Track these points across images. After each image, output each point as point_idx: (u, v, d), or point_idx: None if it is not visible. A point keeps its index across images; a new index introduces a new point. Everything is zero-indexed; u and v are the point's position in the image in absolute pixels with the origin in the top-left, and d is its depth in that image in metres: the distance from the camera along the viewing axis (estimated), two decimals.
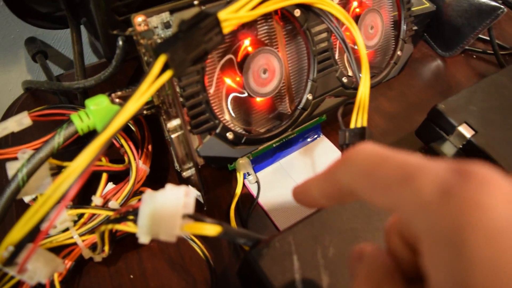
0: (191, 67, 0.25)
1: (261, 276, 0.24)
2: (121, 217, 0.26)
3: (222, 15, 0.24)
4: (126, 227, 0.26)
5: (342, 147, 0.31)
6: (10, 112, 0.43)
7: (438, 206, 0.12)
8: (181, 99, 0.28)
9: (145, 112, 0.31)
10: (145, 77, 0.22)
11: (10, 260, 0.23)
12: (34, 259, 0.25)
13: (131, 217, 0.26)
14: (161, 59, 0.22)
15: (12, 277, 0.30)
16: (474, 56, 0.57)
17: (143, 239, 0.24)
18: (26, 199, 0.34)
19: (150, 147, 0.35)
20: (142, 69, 0.28)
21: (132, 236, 0.34)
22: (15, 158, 0.32)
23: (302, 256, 0.25)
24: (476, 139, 0.36)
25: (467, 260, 0.11)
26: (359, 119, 0.31)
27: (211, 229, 0.22)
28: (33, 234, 0.22)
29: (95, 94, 0.28)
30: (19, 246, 0.23)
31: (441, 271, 0.12)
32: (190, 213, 0.22)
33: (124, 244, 0.34)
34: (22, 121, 0.31)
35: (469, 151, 0.37)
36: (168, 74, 0.22)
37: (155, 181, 0.35)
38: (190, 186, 0.24)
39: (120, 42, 0.31)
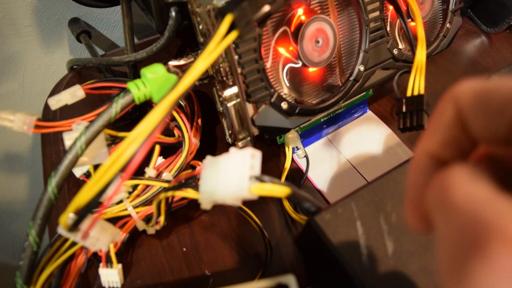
0: (250, 34, 0.25)
1: (324, 241, 0.24)
2: (181, 184, 0.26)
3: None
4: (187, 193, 0.26)
5: (398, 115, 0.30)
6: (57, 91, 0.44)
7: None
8: (238, 67, 0.27)
9: (197, 83, 0.31)
10: (212, 37, 0.21)
11: (75, 226, 0.23)
12: (96, 227, 0.25)
13: (192, 183, 0.26)
14: (228, 19, 0.21)
15: (68, 248, 0.31)
16: None
17: (206, 205, 0.24)
18: (77, 173, 0.35)
19: (199, 121, 0.35)
20: (185, 46, 0.28)
21: (184, 210, 0.34)
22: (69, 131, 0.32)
23: (365, 222, 0.24)
24: None
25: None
26: (416, 87, 0.30)
27: (280, 190, 0.22)
28: (97, 202, 0.22)
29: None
30: (86, 209, 0.23)
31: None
32: (257, 175, 0.22)
33: (176, 218, 0.34)
34: (76, 93, 0.31)
35: None
36: (234, 34, 0.22)
37: (205, 155, 0.35)
38: (255, 149, 0.23)
39: (173, 13, 0.30)
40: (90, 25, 0.49)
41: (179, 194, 0.26)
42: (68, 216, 0.23)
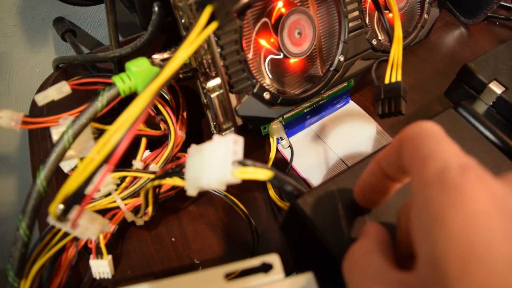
0: (230, 24, 0.26)
1: (307, 223, 0.25)
2: (168, 173, 0.27)
3: None
4: (173, 181, 0.27)
5: (377, 102, 0.31)
6: (43, 90, 0.44)
7: (435, 186, 0.15)
8: (220, 59, 0.28)
9: (181, 75, 0.31)
10: (192, 28, 0.22)
11: (64, 215, 0.24)
12: (85, 217, 0.26)
13: (177, 171, 0.27)
14: (208, 10, 0.22)
15: (58, 241, 0.31)
16: (497, 23, 0.57)
17: (191, 191, 0.25)
18: (66, 168, 0.35)
19: (185, 114, 0.36)
20: (170, 42, 0.29)
21: (171, 202, 0.35)
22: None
23: (346, 203, 0.25)
24: (507, 95, 0.36)
25: (447, 231, 0.14)
26: (393, 74, 0.31)
27: (263, 173, 0.22)
28: (82, 193, 0.23)
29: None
30: (74, 198, 0.23)
31: (423, 239, 0.15)
32: (240, 159, 0.23)
33: (164, 209, 0.35)
34: (62, 89, 0.32)
35: (499, 107, 0.37)
36: (214, 25, 0.23)
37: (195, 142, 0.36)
38: (237, 135, 0.24)
39: (156, 8, 0.31)
40: (75, 24, 0.50)
41: (166, 182, 0.27)
42: (57, 207, 0.24)
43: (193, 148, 0.25)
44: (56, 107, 0.36)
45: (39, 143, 0.40)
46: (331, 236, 0.24)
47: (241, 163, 0.23)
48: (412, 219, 0.16)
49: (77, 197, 0.23)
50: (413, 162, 0.17)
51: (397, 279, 0.16)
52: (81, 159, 0.33)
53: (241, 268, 0.21)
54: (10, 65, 0.49)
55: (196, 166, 0.24)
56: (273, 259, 0.21)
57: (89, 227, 0.26)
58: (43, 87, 0.44)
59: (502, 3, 0.57)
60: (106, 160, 0.21)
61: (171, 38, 0.45)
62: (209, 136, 0.39)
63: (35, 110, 0.42)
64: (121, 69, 0.37)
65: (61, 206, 0.24)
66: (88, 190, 0.22)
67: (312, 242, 0.25)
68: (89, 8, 0.50)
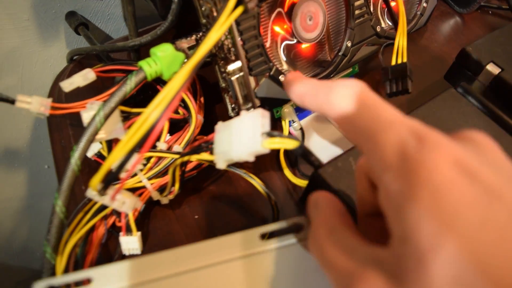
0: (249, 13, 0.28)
1: (329, 191, 0.27)
2: (196, 149, 0.29)
3: None
4: (202, 156, 0.29)
5: (385, 82, 0.34)
6: (59, 82, 0.45)
7: (397, 166, 0.15)
8: (241, 43, 0.30)
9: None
10: (222, 11, 0.24)
11: (104, 189, 0.26)
12: (121, 192, 0.28)
13: (204, 148, 0.29)
14: None
15: (89, 220, 0.33)
16: (490, 12, 0.59)
17: (221, 164, 0.27)
18: (89, 153, 0.37)
19: (202, 99, 0.38)
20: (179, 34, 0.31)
21: (192, 182, 0.37)
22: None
23: None
24: (504, 75, 0.38)
25: (417, 209, 0.14)
26: (399, 56, 0.33)
27: (290, 142, 0.24)
28: (121, 170, 0.25)
29: (145, 55, 0.31)
30: (116, 173, 0.25)
31: (394, 217, 0.15)
32: (268, 131, 0.25)
33: (186, 189, 0.36)
34: (87, 75, 0.34)
35: (496, 87, 0.39)
36: (240, 9, 0.25)
37: (208, 130, 0.38)
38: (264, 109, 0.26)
39: None
40: (85, 18, 0.51)
41: (195, 158, 0.29)
42: (98, 182, 0.25)
43: (220, 124, 0.27)
44: (75, 96, 0.38)
45: (59, 131, 0.41)
46: (351, 202, 0.26)
47: (269, 135, 0.25)
48: (380, 200, 0.16)
49: (117, 173, 0.25)
50: (365, 143, 0.17)
51: (371, 255, 0.16)
52: (107, 141, 0.35)
53: (274, 229, 0.23)
54: (23, 59, 0.51)
55: (225, 140, 0.26)
56: (303, 220, 0.23)
57: (125, 202, 0.28)
58: (59, 79, 0.46)
59: None
60: (145, 137, 0.23)
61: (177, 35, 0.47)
62: (224, 118, 0.41)
63: (54, 100, 0.43)
64: (139, 57, 0.39)
65: (100, 184, 0.26)
66: (130, 164, 0.24)
67: None
68: (99, 3, 0.51)
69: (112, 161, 0.24)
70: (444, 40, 0.54)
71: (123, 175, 0.25)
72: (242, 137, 0.25)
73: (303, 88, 0.22)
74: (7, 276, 0.88)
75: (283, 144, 0.24)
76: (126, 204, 0.28)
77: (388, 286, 0.14)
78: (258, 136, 0.25)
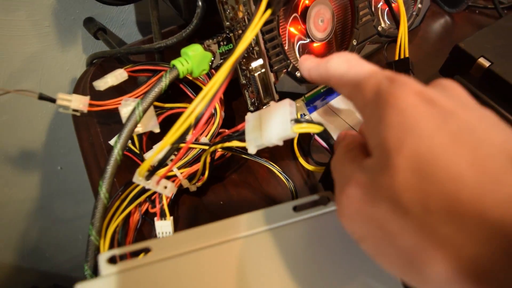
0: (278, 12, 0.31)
1: None
2: (228, 138, 0.32)
3: None
4: (233, 144, 0.32)
5: None
6: (82, 84, 0.48)
7: (373, 100, 0.20)
8: (263, 43, 0.34)
9: (221, 60, 0.37)
10: (254, 14, 0.27)
11: (151, 175, 0.29)
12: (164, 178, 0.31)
13: (235, 136, 0.32)
14: (265, 0, 0.28)
15: (125, 208, 0.36)
16: (477, 11, 0.64)
17: (252, 149, 0.30)
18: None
19: (222, 96, 0.41)
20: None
21: (216, 172, 0.40)
22: (116, 110, 0.37)
23: None
24: (493, 68, 0.43)
25: (386, 124, 0.18)
26: (402, 52, 0.37)
27: (315, 127, 0.28)
28: (168, 157, 0.28)
29: (171, 56, 0.34)
30: (164, 160, 0.28)
31: (371, 136, 0.20)
32: (295, 117, 0.28)
33: (210, 179, 0.39)
34: (120, 75, 0.37)
35: (487, 79, 0.43)
36: (269, 11, 0.28)
37: (228, 124, 0.41)
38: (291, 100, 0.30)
39: (200, 3, 0.36)
40: (102, 24, 0.54)
41: (227, 144, 0.32)
42: (146, 168, 0.29)
43: (250, 115, 0.31)
44: (100, 96, 0.41)
45: (87, 129, 0.44)
46: None
47: (297, 121, 0.28)
48: (363, 128, 0.22)
49: (163, 161, 0.28)
50: (352, 90, 0.22)
51: (362, 164, 0.20)
52: (139, 134, 0.38)
53: (305, 202, 0.27)
54: (43, 63, 0.53)
55: (255, 128, 0.30)
56: (329, 194, 0.27)
57: (167, 186, 0.31)
58: (81, 81, 0.49)
59: None
60: (194, 125, 0.26)
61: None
62: (240, 114, 0.45)
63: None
64: (163, 58, 0.42)
65: (145, 172, 0.29)
66: (189, 137, 0.27)
67: None
68: (114, 9, 0.54)
69: (160, 150, 0.28)
70: (436, 38, 0.58)
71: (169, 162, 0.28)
72: (272, 124, 0.29)
73: (309, 64, 0.27)
74: (17, 275, 0.90)
75: (310, 128, 0.28)
76: (168, 188, 0.31)
77: (368, 181, 0.19)
78: (287, 122, 0.28)
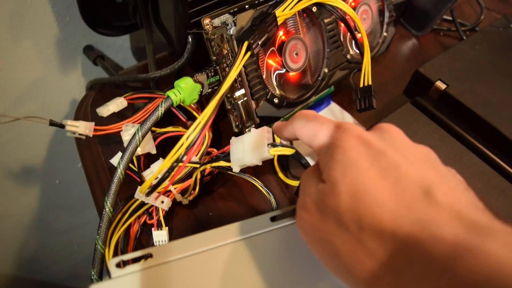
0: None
1: None
2: (215, 158, 0.38)
3: (277, 12, 0.35)
4: (220, 164, 0.37)
5: (355, 101, 0.43)
6: (83, 108, 0.53)
7: (326, 147, 0.26)
8: (245, 75, 0.39)
9: (209, 89, 0.42)
10: (237, 56, 0.33)
11: (151, 191, 0.34)
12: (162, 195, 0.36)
13: (222, 157, 0.37)
14: (245, 44, 0.33)
15: (126, 220, 0.41)
16: (441, 34, 0.71)
17: (236, 168, 0.35)
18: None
19: (211, 119, 0.46)
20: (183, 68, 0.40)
21: (207, 186, 0.45)
22: (116, 133, 0.43)
23: None
24: (449, 90, 0.49)
25: (333, 160, 0.24)
26: (365, 80, 0.43)
27: (289, 150, 0.33)
28: (166, 177, 0.33)
29: (165, 83, 0.39)
30: (161, 180, 0.34)
31: (325, 167, 0.25)
32: (271, 142, 0.33)
33: (201, 193, 0.45)
34: (121, 103, 0.42)
35: (443, 100, 0.49)
36: (248, 54, 0.34)
37: (216, 145, 0.47)
38: (267, 127, 0.35)
39: (190, 39, 0.42)
40: (100, 50, 0.59)
41: (215, 164, 0.37)
42: (147, 186, 0.34)
43: (234, 139, 0.36)
44: (101, 120, 0.45)
45: (89, 149, 0.49)
46: None
47: (273, 145, 0.33)
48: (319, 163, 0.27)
49: (162, 180, 0.34)
50: (311, 140, 0.28)
51: (318, 185, 0.25)
52: (138, 156, 0.43)
53: (281, 213, 0.32)
54: (45, 87, 0.58)
55: (239, 150, 0.35)
56: None
57: (164, 201, 0.36)
58: (82, 105, 0.54)
59: (444, 17, 0.70)
60: (187, 150, 0.32)
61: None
62: (226, 134, 0.50)
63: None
64: (157, 87, 0.47)
65: (146, 190, 0.34)
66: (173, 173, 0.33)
67: None
68: (112, 37, 0.59)
69: (159, 172, 0.33)
70: (404, 59, 0.65)
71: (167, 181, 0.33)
72: (252, 148, 0.34)
73: (279, 127, 0.34)
74: (14, 286, 0.93)
75: (284, 151, 0.33)
76: (165, 203, 0.37)
77: (320, 201, 0.24)
78: (265, 146, 0.34)
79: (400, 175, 0.22)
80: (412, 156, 0.23)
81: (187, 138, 0.31)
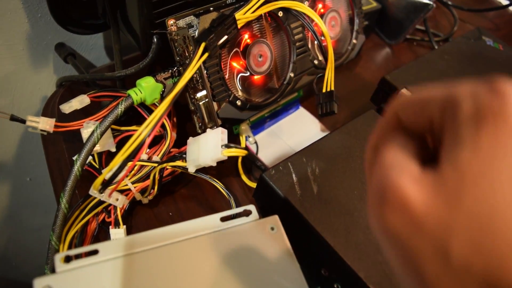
0: (215, 54, 0.37)
1: (272, 189, 0.36)
2: (172, 158, 0.38)
3: (237, 15, 0.36)
4: (177, 163, 0.38)
5: (317, 106, 0.44)
6: (51, 104, 0.53)
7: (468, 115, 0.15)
8: (206, 77, 0.40)
9: None
10: (193, 58, 0.33)
11: (103, 188, 0.34)
12: (115, 191, 0.36)
13: (179, 157, 0.38)
14: (203, 45, 0.34)
15: (84, 217, 0.41)
16: (415, 43, 0.72)
17: (192, 169, 0.36)
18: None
19: (175, 119, 0.47)
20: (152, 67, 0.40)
21: (167, 186, 0.45)
22: (77, 130, 0.43)
23: (298, 174, 0.37)
24: None
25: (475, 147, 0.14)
26: (328, 85, 0.44)
27: (241, 151, 0.34)
28: (118, 174, 0.33)
29: (132, 82, 0.39)
30: (113, 176, 0.34)
31: (450, 153, 0.15)
32: (226, 143, 0.34)
33: (162, 192, 0.45)
34: (84, 100, 0.42)
35: None
36: (205, 55, 0.34)
37: (180, 144, 0.47)
38: (223, 128, 0.35)
39: (155, 40, 0.42)
40: (72, 48, 0.59)
41: (172, 164, 0.37)
42: (100, 182, 0.34)
43: (191, 139, 0.37)
44: (66, 117, 0.45)
45: (54, 145, 0.49)
46: (289, 195, 0.36)
47: (227, 146, 0.34)
48: (443, 140, 0.16)
49: (114, 177, 0.34)
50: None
51: (414, 171, 0.16)
52: (99, 152, 0.43)
53: (231, 213, 0.33)
54: (16, 83, 0.58)
55: (195, 150, 0.36)
56: (251, 207, 0.33)
57: (118, 198, 0.36)
58: (50, 102, 0.53)
59: (417, 27, 0.72)
60: (138, 149, 0.32)
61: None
62: (192, 135, 0.50)
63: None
64: (123, 85, 0.47)
65: (99, 186, 0.34)
66: (124, 170, 0.33)
67: (276, 201, 0.37)
68: (84, 36, 0.59)
69: (111, 167, 0.33)
70: (376, 67, 0.66)
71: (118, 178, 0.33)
72: (207, 148, 0.34)
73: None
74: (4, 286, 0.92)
75: (236, 152, 0.34)
76: (119, 200, 0.37)
77: (421, 204, 0.15)
78: (219, 147, 0.34)
79: None
80: None
81: (138, 136, 0.31)
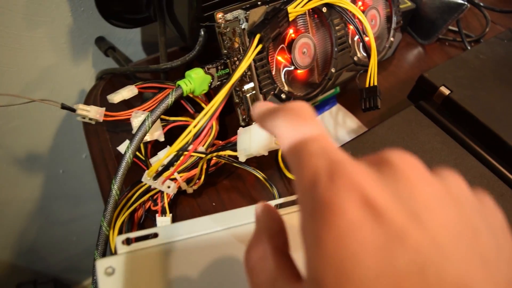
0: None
1: None
2: (222, 148, 0.38)
3: (289, 9, 0.37)
4: (227, 152, 0.38)
5: (361, 100, 0.44)
6: (92, 96, 0.54)
7: (310, 199, 0.15)
8: (254, 69, 0.40)
9: (218, 82, 0.43)
10: (248, 49, 0.34)
11: (157, 177, 0.35)
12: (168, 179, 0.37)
13: (228, 146, 0.38)
14: (257, 36, 0.34)
15: (132, 204, 0.42)
16: (447, 43, 0.72)
17: (242, 158, 0.36)
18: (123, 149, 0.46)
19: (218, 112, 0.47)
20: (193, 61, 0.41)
21: (210, 178, 0.46)
22: (125, 120, 0.44)
23: None
24: (452, 96, 0.50)
25: (323, 255, 0.14)
26: (371, 80, 0.44)
27: None
28: (173, 162, 0.34)
29: (174, 75, 0.40)
30: (168, 165, 0.34)
31: (307, 254, 0.15)
32: None
33: (206, 183, 0.45)
34: (132, 90, 0.43)
35: (446, 105, 0.50)
36: (260, 46, 0.35)
37: (222, 136, 0.48)
38: None
39: (202, 32, 0.43)
40: (111, 42, 0.61)
41: (221, 153, 0.38)
42: (154, 171, 0.35)
43: (241, 129, 0.37)
44: (108, 107, 0.46)
45: (97, 136, 0.50)
46: None
47: None
48: (300, 222, 0.16)
49: (170, 164, 0.35)
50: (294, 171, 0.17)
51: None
52: (145, 142, 0.44)
53: (281, 202, 0.33)
54: (56, 75, 0.59)
55: (246, 140, 0.36)
56: None
57: (170, 186, 0.37)
58: (91, 93, 0.55)
59: (450, 27, 0.72)
60: (194, 138, 0.33)
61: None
62: (232, 128, 0.51)
63: None
64: (167, 78, 0.48)
65: (153, 174, 0.35)
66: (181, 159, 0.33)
67: None
68: (123, 30, 0.60)
69: (167, 156, 0.34)
70: (409, 66, 0.66)
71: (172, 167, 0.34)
72: (260, 137, 0.35)
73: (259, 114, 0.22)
74: (13, 274, 0.94)
75: None
76: (171, 188, 0.38)
77: None
78: (272, 137, 0.34)
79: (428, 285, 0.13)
80: (449, 228, 0.14)
81: (194, 126, 0.32)
